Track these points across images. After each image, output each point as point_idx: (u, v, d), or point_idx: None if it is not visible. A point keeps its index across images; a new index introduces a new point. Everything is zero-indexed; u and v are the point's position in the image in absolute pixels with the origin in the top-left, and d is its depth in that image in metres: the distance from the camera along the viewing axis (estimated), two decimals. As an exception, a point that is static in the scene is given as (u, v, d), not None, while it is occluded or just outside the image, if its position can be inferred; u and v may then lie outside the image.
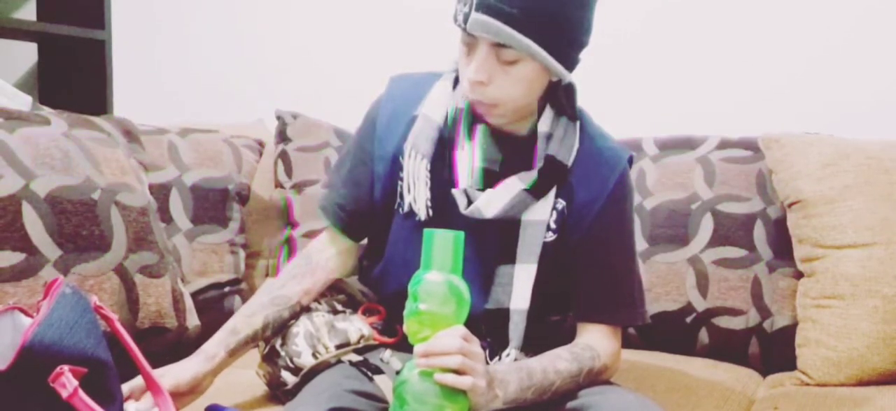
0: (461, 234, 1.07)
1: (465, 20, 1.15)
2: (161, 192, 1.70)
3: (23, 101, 1.90)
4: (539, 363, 1.19)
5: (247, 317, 1.32)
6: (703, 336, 1.70)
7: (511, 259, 1.27)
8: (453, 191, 1.25)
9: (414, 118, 1.30)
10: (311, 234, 1.86)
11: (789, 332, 1.62)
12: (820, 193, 1.59)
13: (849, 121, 1.85)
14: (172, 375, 1.24)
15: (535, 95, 1.24)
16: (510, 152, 1.26)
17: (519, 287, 1.26)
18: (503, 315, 1.27)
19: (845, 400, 1.42)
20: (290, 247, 1.90)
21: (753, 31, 2.01)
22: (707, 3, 2.05)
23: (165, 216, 1.70)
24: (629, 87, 2.12)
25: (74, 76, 2.50)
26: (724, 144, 1.81)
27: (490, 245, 1.26)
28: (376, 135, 1.34)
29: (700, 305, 1.70)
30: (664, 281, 1.72)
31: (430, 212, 1.28)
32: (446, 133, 1.28)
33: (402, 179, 1.30)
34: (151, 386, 1.22)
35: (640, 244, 1.76)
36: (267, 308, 1.33)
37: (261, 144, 1.99)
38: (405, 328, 1.12)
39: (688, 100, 2.07)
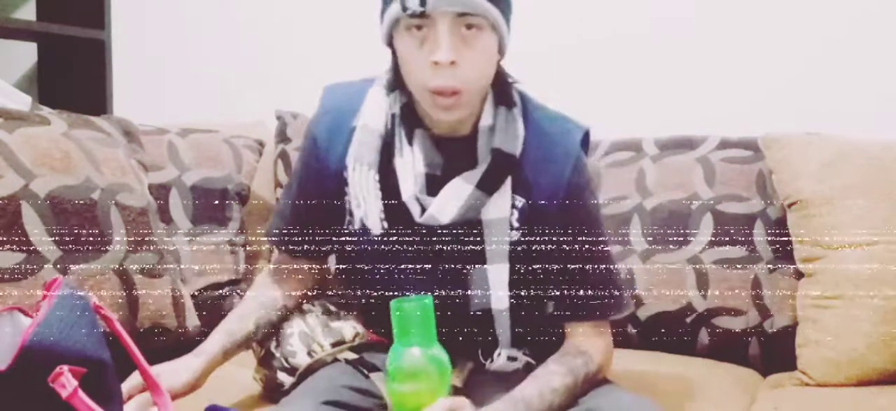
0: (429, 300, 1.02)
1: (422, 2, 1.09)
2: (161, 192, 1.70)
3: (23, 101, 1.90)
4: (534, 387, 1.16)
5: (240, 319, 1.32)
6: (703, 336, 1.70)
7: (482, 260, 1.23)
8: (405, 198, 1.20)
9: (353, 129, 1.25)
10: (311, 234, 1.86)
11: (789, 332, 1.62)
12: (820, 193, 1.59)
13: (849, 122, 1.85)
14: (170, 372, 1.23)
15: (491, 76, 1.20)
16: (450, 155, 1.22)
17: (495, 288, 1.23)
18: (488, 316, 1.25)
19: (845, 401, 1.42)
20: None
21: (753, 31, 2.01)
22: (707, 4, 2.05)
23: (165, 216, 1.70)
24: (629, 88, 2.12)
25: (74, 76, 2.50)
26: (724, 144, 1.81)
27: (459, 249, 1.23)
28: (319, 151, 1.29)
29: (700, 305, 1.70)
30: (664, 281, 1.72)
31: (385, 225, 1.23)
32: (388, 141, 1.23)
33: (347, 195, 1.25)
34: (151, 385, 1.22)
35: (640, 244, 1.76)
36: (258, 310, 1.33)
37: (261, 144, 1.99)
38: (390, 407, 1.10)
39: (688, 100, 2.06)
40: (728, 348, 1.69)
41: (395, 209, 1.22)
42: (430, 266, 1.25)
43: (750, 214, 1.71)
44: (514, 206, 1.22)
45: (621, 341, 1.75)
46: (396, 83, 1.24)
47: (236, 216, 1.83)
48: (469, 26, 1.12)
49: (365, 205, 1.23)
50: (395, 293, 1.28)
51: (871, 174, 1.57)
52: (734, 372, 1.63)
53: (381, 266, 1.28)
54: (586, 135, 1.28)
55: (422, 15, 1.11)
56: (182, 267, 1.69)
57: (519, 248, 1.23)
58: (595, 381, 1.24)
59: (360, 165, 1.22)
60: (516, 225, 1.23)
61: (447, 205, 1.19)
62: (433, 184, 1.21)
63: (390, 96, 1.25)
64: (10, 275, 1.29)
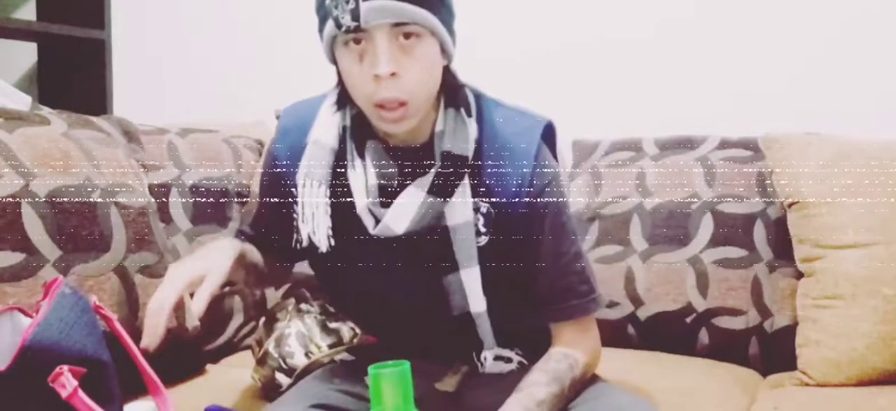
0: (407, 367, 0.99)
1: (354, 16, 1.08)
2: (161, 192, 1.70)
3: (23, 101, 1.90)
4: (519, 404, 1.13)
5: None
6: (703, 336, 1.70)
7: (454, 267, 1.20)
8: (358, 211, 1.18)
9: (304, 145, 1.23)
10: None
11: (789, 332, 1.62)
12: (820, 193, 1.59)
13: (849, 122, 1.85)
14: (162, 288, 1.19)
15: (438, 82, 1.17)
16: (406, 164, 1.20)
17: (471, 291, 1.21)
18: (469, 319, 1.23)
19: (845, 401, 1.42)
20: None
21: (753, 31, 2.01)
22: (707, 5, 2.05)
23: (165, 216, 1.69)
24: (629, 88, 2.12)
25: (74, 76, 2.50)
26: (724, 144, 1.81)
27: (430, 257, 1.21)
28: (277, 170, 1.27)
29: (700, 305, 1.70)
30: (664, 281, 1.72)
31: (332, 242, 1.21)
32: (342, 155, 1.21)
33: (295, 213, 1.23)
34: (151, 385, 1.22)
35: (640, 244, 1.76)
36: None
37: (261, 144, 1.99)
38: None
39: (688, 100, 2.06)
40: (728, 348, 1.69)
41: (345, 223, 1.20)
42: (402, 276, 1.23)
43: (750, 214, 1.71)
44: (478, 212, 1.20)
45: (621, 341, 1.76)
46: (344, 97, 1.22)
47: (236, 216, 1.83)
48: (407, 35, 1.10)
49: (313, 221, 1.21)
50: (372, 303, 1.29)
51: (871, 174, 1.57)
52: (734, 372, 1.63)
53: (345, 280, 1.27)
54: (548, 127, 1.25)
55: (357, 29, 1.09)
56: (182, 267, 1.69)
57: (490, 252, 1.21)
58: (584, 383, 1.22)
59: (310, 181, 1.20)
60: (483, 230, 1.20)
61: (401, 215, 1.16)
62: (390, 195, 1.18)
63: (340, 111, 1.23)
64: (10, 275, 1.29)
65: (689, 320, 1.70)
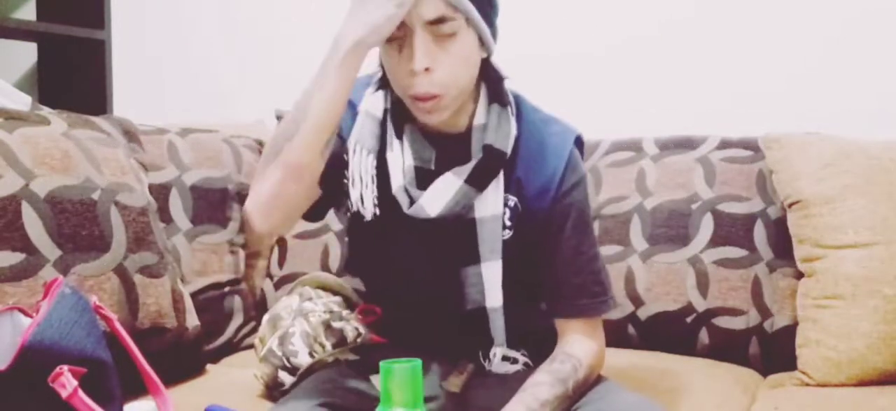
0: (418, 365, 0.98)
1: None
2: (161, 192, 1.70)
3: (23, 101, 1.89)
4: (521, 405, 1.14)
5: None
6: (704, 336, 1.70)
7: (476, 259, 1.23)
8: (394, 190, 1.21)
9: (356, 114, 1.26)
10: (304, 235, 1.86)
11: (790, 332, 1.62)
12: (820, 193, 1.59)
13: (849, 121, 1.85)
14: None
15: (474, 76, 1.19)
16: (443, 150, 1.23)
17: (489, 286, 1.23)
18: (483, 314, 1.25)
19: (846, 401, 1.42)
20: (282, 247, 1.89)
21: (753, 31, 2.01)
22: (707, 5, 2.05)
23: (165, 216, 1.69)
24: (629, 87, 2.12)
25: (74, 76, 2.50)
26: (724, 144, 1.81)
27: (453, 246, 1.23)
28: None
29: (700, 305, 1.70)
30: (664, 281, 1.72)
31: (377, 211, 1.23)
32: (384, 132, 1.25)
33: (346, 177, 1.25)
34: (151, 385, 1.22)
35: (640, 244, 1.76)
36: None
37: (261, 144, 1.99)
38: None
39: (688, 100, 2.06)
40: (728, 348, 1.69)
41: (387, 199, 1.22)
42: (424, 261, 1.25)
43: (750, 214, 1.71)
44: (506, 205, 1.23)
45: (621, 341, 1.76)
46: (385, 81, 1.25)
47: (236, 216, 1.83)
48: (442, 30, 1.12)
49: (360, 186, 1.23)
50: (393, 280, 1.30)
51: (871, 174, 1.57)
52: (734, 372, 1.63)
53: (377, 254, 1.30)
54: (578, 138, 1.29)
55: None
56: (182, 267, 1.69)
57: (512, 247, 1.23)
58: (587, 386, 1.23)
59: (360, 148, 1.23)
60: (508, 224, 1.24)
61: (436, 198, 1.19)
62: (426, 178, 1.21)
63: (382, 92, 1.26)
64: (10, 275, 1.29)
65: (689, 320, 1.70)
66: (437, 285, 1.25)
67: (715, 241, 1.71)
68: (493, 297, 1.24)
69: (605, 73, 2.14)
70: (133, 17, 2.57)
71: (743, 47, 2.02)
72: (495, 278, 1.23)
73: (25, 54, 2.59)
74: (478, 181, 1.20)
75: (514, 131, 1.23)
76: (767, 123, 1.77)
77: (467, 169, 1.20)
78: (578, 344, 1.24)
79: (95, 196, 1.42)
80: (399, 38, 1.13)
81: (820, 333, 1.55)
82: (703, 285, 1.70)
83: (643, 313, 1.73)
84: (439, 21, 1.11)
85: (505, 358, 1.29)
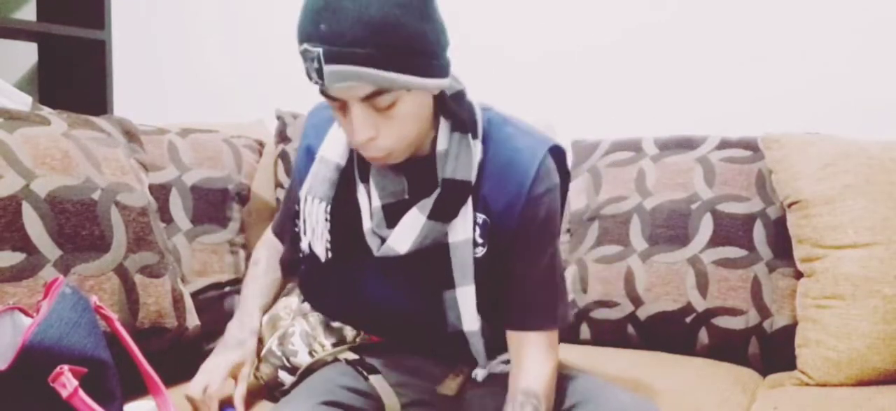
0: None
1: (319, 75, 1.02)
2: (161, 192, 1.70)
3: (23, 101, 1.90)
4: None
5: (257, 299, 1.39)
6: (703, 336, 1.70)
7: (451, 283, 1.20)
8: (365, 233, 1.19)
9: (313, 159, 1.24)
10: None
11: (789, 332, 1.62)
12: (820, 193, 1.59)
13: (849, 122, 1.85)
14: (208, 374, 1.28)
15: (427, 121, 1.13)
16: (414, 176, 1.18)
17: (465, 309, 1.21)
18: (462, 337, 1.23)
19: (845, 401, 1.42)
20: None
21: (753, 31, 2.01)
22: (707, 4, 2.05)
23: (165, 216, 1.69)
24: (629, 87, 2.12)
25: (74, 76, 2.50)
26: (724, 144, 1.81)
27: (429, 272, 1.20)
28: (299, 159, 1.30)
29: (700, 305, 1.70)
30: (664, 281, 1.72)
31: (330, 254, 1.22)
32: (349, 170, 1.21)
33: (296, 225, 1.26)
34: (151, 385, 1.22)
35: (640, 244, 1.76)
36: (266, 294, 1.41)
37: (261, 144, 1.99)
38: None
39: (688, 100, 2.07)
40: (728, 348, 1.69)
41: (349, 239, 1.21)
42: (401, 290, 1.23)
43: (750, 214, 1.72)
44: (476, 223, 1.19)
45: (621, 341, 1.76)
46: None
47: (236, 216, 1.83)
48: (380, 104, 1.05)
49: (312, 235, 1.23)
50: (370, 315, 1.29)
51: (871, 174, 1.57)
52: (734, 372, 1.63)
53: (345, 291, 1.27)
54: (555, 148, 1.23)
55: (332, 97, 1.06)
56: (182, 267, 1.69)
57: (486, 263, 1.20)
58: (550, 405, 1.21)
59: (311, 197, 1.21)
60: (480, 240, 1.19)
61: (403, 235, 1.16)
62: (396, 211, 1.17)
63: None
64: (10, 275, 1.29)
65: (688, 320, 1.71)
66: (418, 310, 1.24)
67: (715, 241, 1.71)
68: (469, 322, 1.21)
69: (606, 74, 2.14)
70: (133, 17, 2.58)
71: (743, 47, 2.02)
72: (470, 302, 1.20)
73: (25, 54, 2.59)
74: (441, 214, 1.16)
75: (478, 155, 1.18)
76: (767, 123, 1.77)
77: (429, 203, 1.16)
78: (533, 372, 1.20)
79: (95, 196, 1.42)
80: (340, 109, 1.08)
81: (819, 333, 1.55)
82: (702, 285, 1.70)
83: (643, 313, 1.73)
84: (374, 95, 1.04)
85: (501, 361, 1.29)
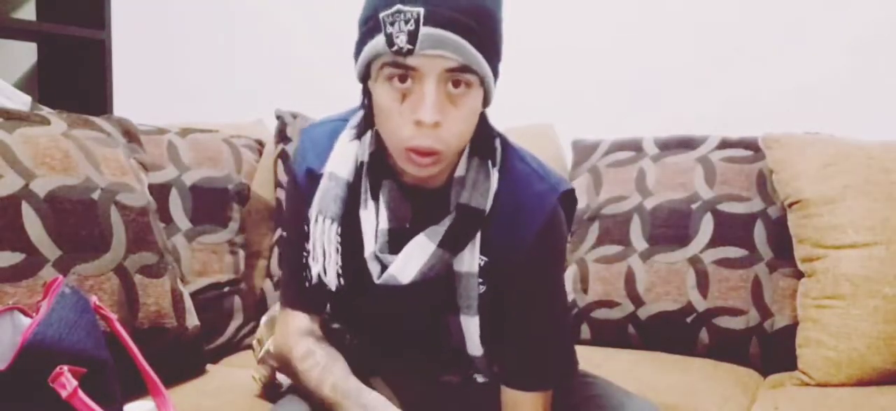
0: None
1: (411, 39, 0.96)
2: (161, 192, 1.70)
3: (23, 101, 1.90)
4: None
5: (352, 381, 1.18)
6: (704, 336, 1.70)
7: (455, 310, 1.15)
8: (366, 256, 1.11)
9: (314, 179, 1.16)
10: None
11: (790, 332, 1.62)
12: (820, 193, 1.59)
13: (849, 122, 1.85)
14: None
15: (472, 132, 1.07)
16: (420, 207, 1.12)
17: (469, 336, 1.17)
18: (465, 356, 1.20)
19: (846, 401, 1.42)
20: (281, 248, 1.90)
21: (754, 31, 2.01)
22: (708, 4, 2.05)
23: (165, 216, 1.69)
24: (629, 87, 2.12)
25: (74, 76, 2.50)
26: (724, 144, 1.81)
27: (429, 297, 1.15)
28: (300, 193, 1.19)
29: (700, 305, 1.70)
30: (664, 281, 1.72)
31: (342, 281, 1.14)
32: (356, 188, 1.14)
33: (307, 250, 1.15)
34: (151, 386, 1.22)
35: (640, 244, 1.76)
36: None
37: (260, 144, 1.99)
38: None
39: (688, 100, 2.07)
40: (728, 348, 1.69)
41: (353, 264, 1.14)
42: (401, 315, 1.20)
43: (750, 214, 1.71)
44: (479, 264, 1.14)
45: (621, 341, 1.76)
46: (367, 127, 1.15)
47: (236, 216, 1.83)
48: (456, 83, 1.01)
49: (323, 260, 1.14)
50: (374, 335, 1.26)
51: (871, 174, 1.57)
52: (734, 372, 1.63)
53: (349, 314, 1.24)
54: (567, 194, 1.17)
55: (407, 67, 0.99)
56: (182, 267, 1.69)
57: (487, 301, 1.16)
58: None
59: (322, 217, 1.13)
60: (480, 280, 1.14)
61: (408, 264, 1.10)
62: (400, 238, 1.11)
63: (360, 143, 1.15)
64: (10, 274, 1.29)
65: (689, 320, 1.70)
66: (421, 333, 1.21)
67: (715, 241, 1.71)
68: (474, 347, 1.18)
69: (606, 73, 2.14)
70: (133, 17, 2.58)
71: (743, 47, 2.02)
72: (474, 331, 1.16)
73: (25, 54, 2.59)
74: (452, 244, 1.09)
75: (494, 186, 1.12)
76: (767, 123, 1.77)
77: (441, 230, 1.09)
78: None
79: (95, 196, 1.42)
80: (403, 84, 1.01)
81: (820, 333, 1.55)
82: (703, 285, 1.70)
83: (643, 313, 1.73)
84: (457, 71, 0.99)
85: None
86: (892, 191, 1.55)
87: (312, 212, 1.14)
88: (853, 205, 1.56)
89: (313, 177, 1.17)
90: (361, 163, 1.14)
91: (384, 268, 1.11)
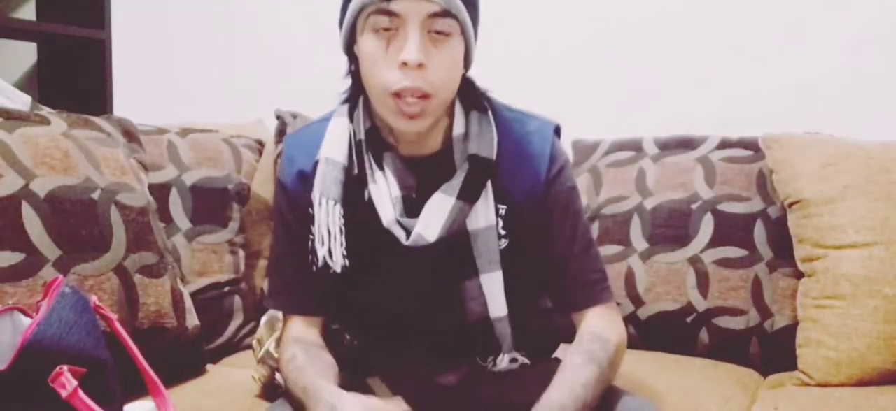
0: None
1: None
2: (161, 192, 1.70)
3: (23, 101, 1.90)
4: (565, 388, 1.09)
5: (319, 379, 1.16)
6: (704, 336, 1.70)
7: (473, 272, 1.18)
8: (386, 224, 1.14)
9: (305, 175, 1.20)
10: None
11: (790, 332, 1.62)
12: (820, 193, 1.59)
13: (849, 122, 1.85)
14: None
15: (456, 85, 1.15)
16: (423, 174, 1.17)
17: (492, 296, 1.19)
18: (486, 324, 1.21)
19: (846, 401, 1.42)
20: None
21: (754, 31, 2.01)
22: (708, 4, 2.05)
23: (165, 216, 1.69)
24: (629, 87, 2.12)
25: (74, 76, 2.50)
26: (724, 144, 1.81)
27: (446, 265, 1.18)
28: (290, 197, 1.23)
29: (700, 305, 1.70)
30: (664, 281, 1.72)
31: (346, 262, 1.17)
32: (353, 171, 1.17)
33: (311, 233, 1.18)
34: (151, 385, 1.22)
35: (641, 244, 1.76)
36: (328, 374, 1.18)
37: (260, 144, 1.99)
38: None
39: (688, 100, 2.07)
40: (728, 348, 1.69)
41: (364, 241, 1.17)
42: (416, 286, 1.21)
43: (750, 214, 1.71)
44: (498, 215, 1.18)
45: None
46: (356, 99, 1.20)
47: (236, 216, 1.83)
48: (438, 31, 1.08)
49: (329, 241, 1.16)
50: (383, 319, 1.26)
51: (871, 174, 1.57)
52: (734, 372, 1.63)
53: (357, 299, 1.24)
54: (557, 128, 1.25)
55: (391, 13, 1.06)
56: (182, 267, 1.69)
57: (509, 255, 1.19)
58: (618, 363, 1.20)
59: (325, 199, 1.16)
60: (503, 232, 1.19)
61: (430, 222, 1.13)
62: (411, 206, 1.15)
63: (353, 122, 1.20)
64: (10, 274, 1.29)
65: (689, 320, 1.70)
66: (436, 304, 1.22)
67: (715, 241, 1.71)
68: (497, 308, 1.20)
69: (606, 73, 2.14)
70: (133, 17, 2.58)
71: (743, 48, 2.01)
72: (497, 289, 1.19)
73: (25, 54, 2.59)
74: (468, 194, 1.14)
75: (496, 137, 1.18)
76: (767, 123, 1.77)
77: (456, 184, 1.14)
78: (599, 323, 1.20)
79: (95, 196, 1.42)
80: (388, 32, 1.08)
81: (820, 333, 1.55)
82: (703, 285, 1.70)
83: (643, 313, 1.73)
84: (440, 15, 1.07)
85: (509, 360, 1.28)
86: (892, 191, 1.55)
87: (315, 196, 1.17)
88: (853, 205, 1.56)
89: (305, 178, 1.21)
90: (358, 141, 1.18)
91: (408, 232, 1.14)
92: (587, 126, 2.06)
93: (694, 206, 1.74)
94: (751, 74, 2.01)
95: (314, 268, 1.19)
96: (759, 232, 1.70)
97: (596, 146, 1.94)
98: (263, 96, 2.35)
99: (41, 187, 1.36)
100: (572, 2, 2.16)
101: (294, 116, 2.00)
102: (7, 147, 1.37)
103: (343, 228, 1.16)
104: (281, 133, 1.99)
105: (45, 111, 1.60)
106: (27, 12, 2.58)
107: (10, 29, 2.37)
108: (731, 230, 1.71)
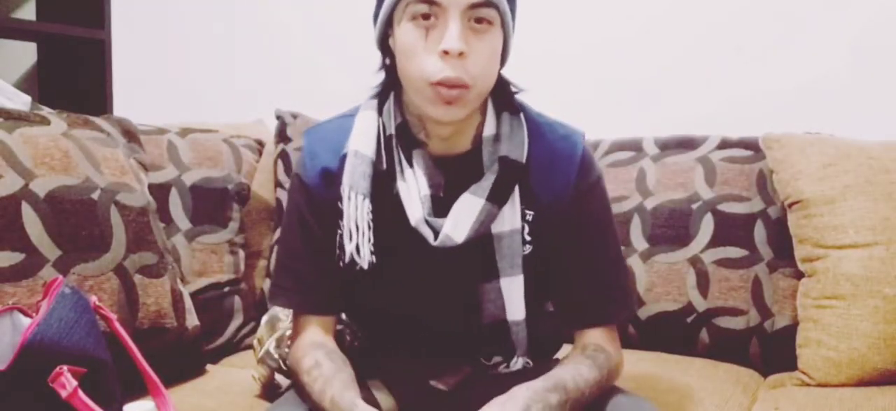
0: None
1: None
2: (161, 192, 1.69)
3: (23, 101, 1.90)
4: (568, 372, 1.10)
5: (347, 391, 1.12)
6: (704, 336, 1.70)
7: (494, 275, 1.17)
8: (414, 223, 1.12)
9: (344, 157, 1.17)
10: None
11: (790, 332, 1.62)
12: (820, 193, 1.59)
13: (849, 122, 1.85)
14: None
15: (494, 79, 1.13)
16: (451, 174, 1.16)
17: (511, 300, 1.18)
18: (502, 327, 1.20)
19: (846, 401, 1.42)
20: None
21: (754, 31, 2.01)
22: (708, 4, 2.05)
23: (165, 216, 1.69)
24: (629, 87, 2.12)
25: (74, 76, 2.50)
26: (724, 144, 1.81)
27: (466, 266, 1.17)
28: (312, 194, 1.20)
29: (700, 305, 1.70)
30: (664, 281, 1.72)
31: (373, 258, 1.15)
32: (381, 166, 1.15)
33: (340, 228, 1.16)
34: (151, 386, 1.22)
35: (641, 244, 1.76)
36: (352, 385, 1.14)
37: (260, 144, 1.99)
38: None
39: (688, 100, 2.06)
40: (728, 348, 1.69)
41: (391, 238, 1.15)
42: (435, 286, 1.20)
43: (750, 214, 1.71)
44: (524, 220, 1.17)
45: (621, 341, 1.75)
46: (388, 91, 1.18)
47: (236, 216, 1.83)
48: (479, 20, 1.07)
49: (357, 236, 1.14)
50: (399, 317, 1.25)
51: (871, 174, 1.57)
52: (734, 372, 1.63)
53: (378, 296, 1.23)
54: (582, 137, 1.24)
55: (432, 2, 1.05)
56: (182, 267, 1.69)
57: (532, 261, 1.18)
58: (615, 377, 1.20)
59: (354, 193, 1.14)
60: (528, 239, 1.18)
61: (460, 222, 1.12)
62: (439, 205, 1.14)
63: (383, 116, 1.18)
64: (10, 274, 1.29)
65: (689, 320, 1.70)
66: (452, 306, 1.21)
67: (715, 241, 1.71)
68: (515, 311, 1.19)
69: (606, 73, 2.14)
70: (133, 17, 2.57)
71: (743, 48, 2.01)
72: (517, 292, 1.18)
73: (25, 54, 2.59)
74: (498, 196, 1.13)
75: (526, 140, 1.17)
76: (768, 123, 1.77)
77: (485, 186, 1.13)
78: (603, 340, 1.21)
79: (95, 196, 1.42)
80: (427, 21, 1.07)
81: (820, 333, 1.54)
82: (703, 285, 1.70)
83: (643, 313, 1.73)
84: (482, 4, 1.06)
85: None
86: (893, 191, 1.55)
87: (344, 189, 1.15)
88: (853, 205, 1.56)
89: (329, 176, 1.18)
90: (388, 136, 1.16)
91: (435, 232, 1.12)
92: (587, 126, 2.05)
93: (694, 206, 1.74)
94: (751, 74, 2.01)
95: (340, 263, 1.17)
96: (760, 232, 1.70)
97: (596, 146, 1.94)
98: (263, 96, 2.35)
99: (41, 187, 1.36)
100: (572, 3, 2.16)
101: (294, 116, 2.00)
102: (7, 147, 1.37)
103: (371, 224, 1.14)
104: (281, 133, 1.99)
105: (45, 111, 1.60)
106: (27, 12, 2.58)
107: (9, 29, 2.37)
108: (732, 230, 1.71)
